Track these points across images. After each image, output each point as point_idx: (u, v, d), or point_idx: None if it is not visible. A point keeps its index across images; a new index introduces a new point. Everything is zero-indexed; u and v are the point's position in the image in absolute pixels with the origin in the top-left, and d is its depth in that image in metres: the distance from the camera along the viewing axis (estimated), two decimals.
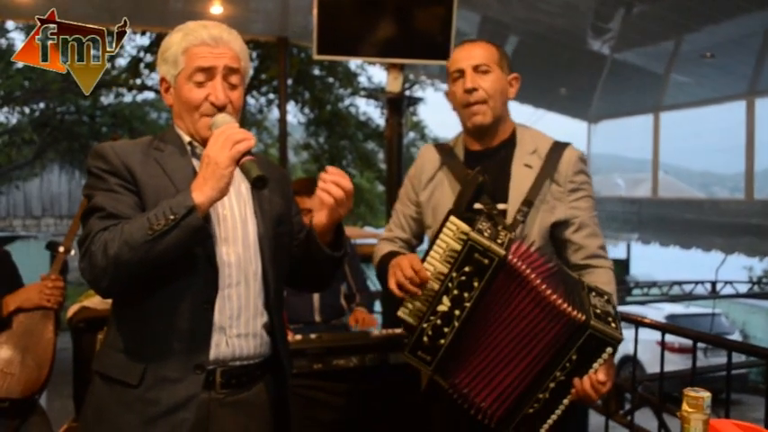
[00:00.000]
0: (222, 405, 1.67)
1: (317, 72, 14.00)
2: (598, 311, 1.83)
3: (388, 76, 4.87)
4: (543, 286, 1.80)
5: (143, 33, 11.52)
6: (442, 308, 1.86)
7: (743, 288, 12.21)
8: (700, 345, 3.31)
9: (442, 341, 1.88)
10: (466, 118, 2.11)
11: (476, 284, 1.83)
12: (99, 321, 2.72)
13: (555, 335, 1.81)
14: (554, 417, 1.88)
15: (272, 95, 14.17)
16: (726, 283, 11.28)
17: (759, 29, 6.52)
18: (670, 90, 9.44)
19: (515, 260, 1.81)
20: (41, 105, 14.49)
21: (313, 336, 2.98)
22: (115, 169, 1.63)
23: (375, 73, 18.93)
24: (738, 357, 5.99)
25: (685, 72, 8.60)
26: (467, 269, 1.83)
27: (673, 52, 7.58)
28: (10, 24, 12.77)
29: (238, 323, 1.68)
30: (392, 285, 1.92)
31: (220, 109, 1.67)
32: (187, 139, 1.73)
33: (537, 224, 2.04)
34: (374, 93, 13.63)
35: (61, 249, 2.70)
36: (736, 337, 11.68)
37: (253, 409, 1.72)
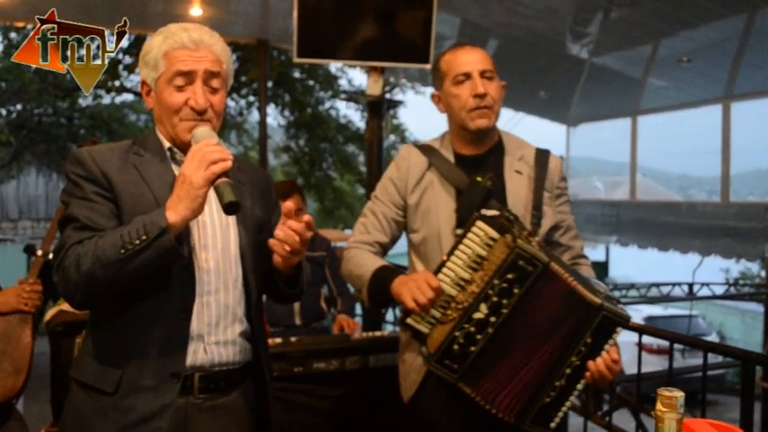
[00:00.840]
0: (200, 410, 1.66)
1: (297, 75, 13.98)
2: (605, 295, 1.88)
3: (368, 79, 4.88)
4: (570, 279, 1.84)
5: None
6: (479, 315, 1.85)
7: (719, 290, 12.32)
8: (677, 346, 3.35)
9: (473, 348, 1.86)
10: (469, 120, 2.09)
11: (516, 291, 1.83)
12: (77, 325, 2.69)
13: (571, 322, 1.85)
14: (568, 404, 1.89)
15: (252, 98, 14.13)
16: (703, 284, 11.38)
17: (735, 34, 6.60)
18: (648, 94, 9.53)
19: (556, 266, 1.85)
20: (18, 107, 14.33)
21: (293, 339, 2.98)
22: (92, 176, 1.62)
23: (355, 76, 19.00)
24: (715, 358, 6.06)
25: (663, 76, 8.69)
26: (509, 276, 1.83)
27: (650, 56, 7.65)
28: None
29: (217, 330, 1.67)
30: (410, 304, 1.86)
31: (200, 113, 1.65)
32: (167, 144, 1.72)
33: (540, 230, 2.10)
34: (354, 96, 13.61)
35: (39, 253, 2.68)
36: (713, 338, 11.81)
37: (232, 414, 1.71)
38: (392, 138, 16.79)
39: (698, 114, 9.97)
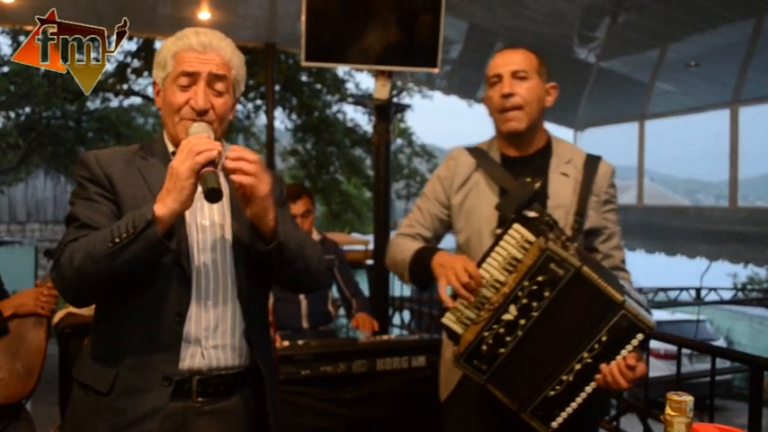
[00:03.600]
0: (199, 414, 1.67)
1: (304, 78, 14.01)
2: (633, 299, 1.84)
3: (375, 83, 4.88)
4: (596, 276, 1.80)
5: (130, 38, 11.48)
6: (508, 317, 1.83)
7: (727, 295, 12.28)
8: (685, 351, 3.34)
9: (502, 350, 1.85)
10: (501, 123, 2.10)
11: (546, 294, 1.81)
12: (85, 327, 2.70)
13: (591, 315, 1.80)
14: (574, 405, 1.84)
15: (259, 101, 14.17)
16: (710, 289, 11.35)
17: (743, 38, 6.58)
18: (655, 98, 9.50)
19: (589, 271, 1.80)
20: (27, 110, 14.41)
21: (301, 342, 2.98)
22: (95, 178, 1.65)
23: (363, 80, 19.00)
24: (723, 364, 6.04)
25: (670, 80, 8.66)
26: (540, 278, 1.81)
27: (658, 61, 7.63)
28: None
29: (215, 335, 1.67)
30: (442, 287, 1.87)
31: (200, 114, 1.67)
32: (171, 148, 1.74)
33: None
34: (362, 99, 13.65)
35: None
36: (720, 343, 11.76)
37: (231, 419, 1.71)
38: (399, 142, 16.81)
39: (706, 119, 9.93)
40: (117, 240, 1.48)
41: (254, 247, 1.65)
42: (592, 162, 2.14)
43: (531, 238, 1.84)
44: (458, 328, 1.90)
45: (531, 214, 1.93)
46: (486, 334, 1.85)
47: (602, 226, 2.11)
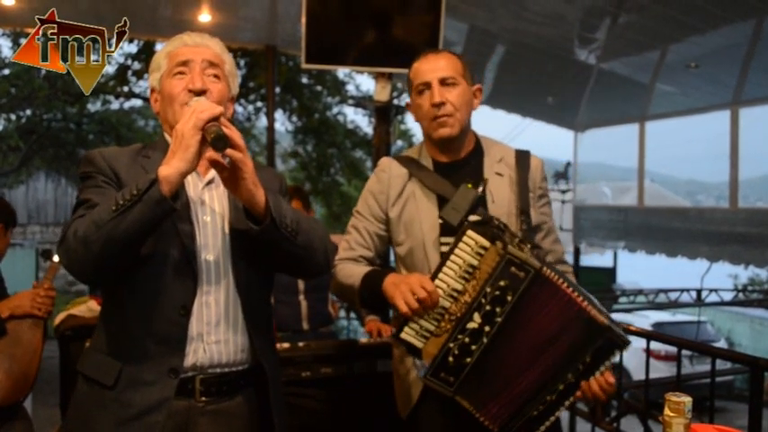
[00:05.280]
0: (202, 413, 1.67)
1: (305, 80, 14.03)
2: (594, 305, 1.82)
3: (376, 84, 4.89)
4: (573, 292, 1.79)
5: (131, 41, 11.51)
6: (473, 325, 1.80)
7: (728, 296, 12.27)
8: (685, 352, 3.34)
9: (468, 359, 1.82)
10: (432, 130, 2.05)
11: (509, 298, 1.78)
12: (86, 329, 2.71)
13: (573, 338, 1.79)
14: (552, 419, 1.85)
15: (259, 103, 14.19)
16: (711, 290, 11.34)
17: (743, 39, 6.59)
18: (655, 99, 9.51)
19: (549, 271, 1.79)
20: (28, 112, 14.42)
21: (301, 344, 2.98)
22: (102, 170, 1.68)
23: (363, 81, 19.02)
24: (724, 365, 6.04)
25: (670, 82, 8.67)
26: (501, 283, 1.78)
27: (658, 62, 7.64)
28: None
29: (217, 330, 1.68)
30: (401, 306, 1.81)
31: (198, 94, 1.69)
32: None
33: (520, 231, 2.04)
34: (362, 101, 13.67)
35: (56, 258, 2.69)
36: (721, 344, 11.74)
37: (234, 419, 1.72)
38: (399, 143, 16.81)
39: (706, 120, 9.94)
40: (121, 203, 1.47)
41: (251, 230, 1.62)
42: (522, 158, 2.11)
43: (486, 243, 1.80)
44: (418, 343, 1.86)
45: (475, 218, 1.90)
46: (451, 345, 1.82)
47: (541, 221, 2.10)
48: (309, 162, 15.13)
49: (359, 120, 15.55)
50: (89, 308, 2.92)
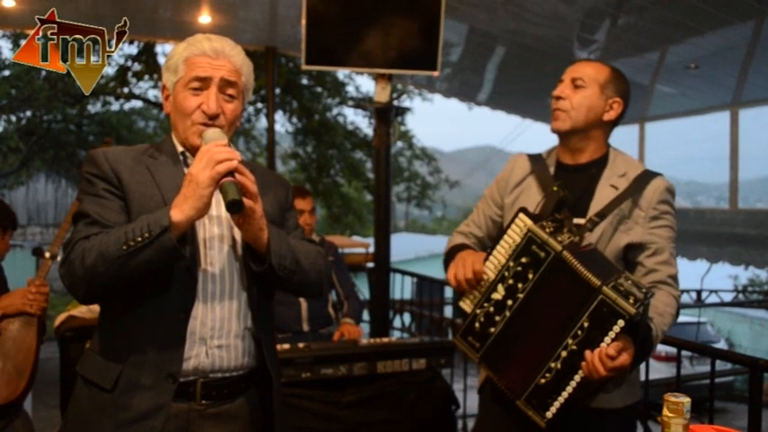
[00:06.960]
0: (203, 417, 1.67)
1: (305, 81, 14.03)
2: (621, 288, 1.82)
3: (376, 86, 4.89)
4: (581, 266, 1.85)
5: (131, 42, 11.51)
6: (497, 296, 1.96)
7: (728, 297, 12.27)
8: (685, 353, 3.34)
9: (492, 329, 1.97)
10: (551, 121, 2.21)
11: (530, 276, 1.91)
12: (86, 330, 2.71)
13: (573, 300, 1.85)
14: (564, 394, 1.87)
15: (260, 104, 14.19)
16: (711, 291, 11.32)
17: (742, 41, 6.58)
18: (655, 100, 9.49)
19: (570, 256, 1.86)
20: (28, 113, 14.44)
21: (301, 345, 2.99)
22: (104, 174, 1.66)
23: (363, 83, 19.07)
24: (724, 366, 6.03)
25: (670, 83, 8.66)
26: (523, 260, 1.92)
27: (658, 63, 7.63)
28: None
29: (221, 334, 1.68)
30: (450, 277, 2.03)
31: (212, 118, 1.68)
32: (180, 149, 1.75)
33: (612, 243, 2.07)
34: (362, 102, 13.66)
35: (47, 255, 2.70)
36: (721, 345, 11.75)
37: (235, 422, 1.72)
38: (400, 144, 16.84)
39: (706, 121, 9.93)
40: (132, 243, 1.49)
41: (250, 267, 1.68)
42: (645, 177, 2.13)
43: (529, 223, 1.94)
44: (466, 307, 2.04)
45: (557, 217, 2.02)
46: (478, 311, 2.00)
47: (648, 241, 2.08)
48: (309, 163, 15.14)
49: (359, 121, 15.62)
50: (90, 309, 2.92)
